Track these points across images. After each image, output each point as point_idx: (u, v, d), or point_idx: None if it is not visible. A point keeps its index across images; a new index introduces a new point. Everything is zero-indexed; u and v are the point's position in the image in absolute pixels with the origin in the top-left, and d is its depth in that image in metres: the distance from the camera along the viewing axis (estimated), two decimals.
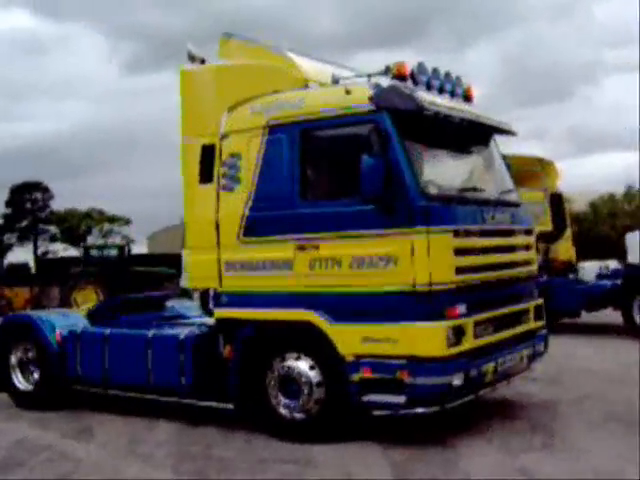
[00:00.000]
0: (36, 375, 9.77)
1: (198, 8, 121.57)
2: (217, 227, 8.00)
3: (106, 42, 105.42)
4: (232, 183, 7.94)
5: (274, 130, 7.67)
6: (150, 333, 8.72)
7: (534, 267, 8.53)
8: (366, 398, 6.95)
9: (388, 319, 6.85)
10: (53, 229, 66.60)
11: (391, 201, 6.85)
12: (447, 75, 8.08)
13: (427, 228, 6.75)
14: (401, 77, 7.39)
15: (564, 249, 17.41)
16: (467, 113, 7.72)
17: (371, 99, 7.06)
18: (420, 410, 6.83)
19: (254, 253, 7.72)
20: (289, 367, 7.41)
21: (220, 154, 8.06)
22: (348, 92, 7.20)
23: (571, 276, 17.04)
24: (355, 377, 6.97)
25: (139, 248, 57.71)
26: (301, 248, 7.37)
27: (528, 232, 8.50)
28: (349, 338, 7.03)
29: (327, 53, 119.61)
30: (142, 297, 8.64)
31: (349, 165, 7.03)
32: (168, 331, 8.64)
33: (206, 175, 8.19)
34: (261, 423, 7.69)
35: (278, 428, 7.51)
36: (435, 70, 7.88)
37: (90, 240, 61.39)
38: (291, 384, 7.38)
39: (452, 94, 8.16)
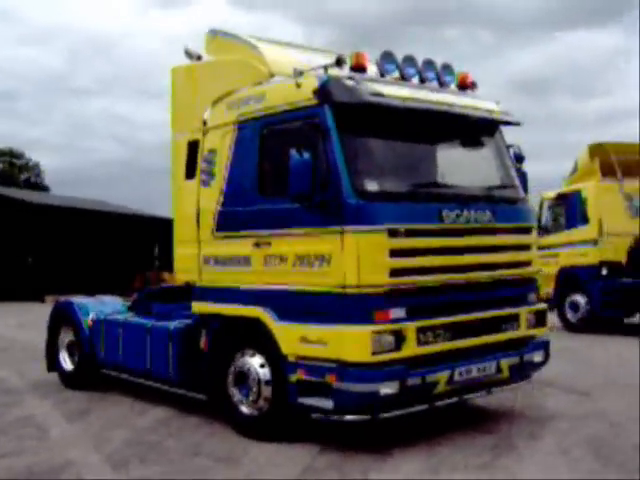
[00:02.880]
0: (76, 357, 10.43)
1: None
2: (197, 222, 8.11)
3: (301, 30, 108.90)
4: (209, 178, 8.02)
5: (241, 126, 7.65)
6: (149, 324, 9.04)
7: (530, 268, 7.84)
8: (301, 400, 6.77)
9: (321, 321, 6.63)
10: None
11: (325, 199, 6.61)
12: (428, 63, 7.61)
13: (356, 227, 6.44)
14: (359, 68, 7.09)
15: None
16: (433, 104, 7.22)
17: (315, 92, 6.83)
18: (349, 418, 6.56)
19: (223, 248, 7.78)
20: (243, 363, 7.40)
21: (202, 150, 8.16)
22: (299, 85, 6.99)
23: None
24: (293, 378, 6.83)
25: None
26: (257, 245, 7.32)
27: (524, 230, 7.83)
28: (290, 338, 6.88)
29: (525, 34, 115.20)
30: (179, 287, 8.91)
31: None
32: (163, 322, 8.86)
33: (190, 171, 8.34)
34: (225, 417, 7.74)
35: (236, 423, 7.54)
36: (409, 59, 7.45)
37: None
38: (246, 380, 7.36)
39: (440, 84, 7.71)
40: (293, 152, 6.58)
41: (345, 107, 6.72)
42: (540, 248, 17.01)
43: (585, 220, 15.73)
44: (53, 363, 10.80)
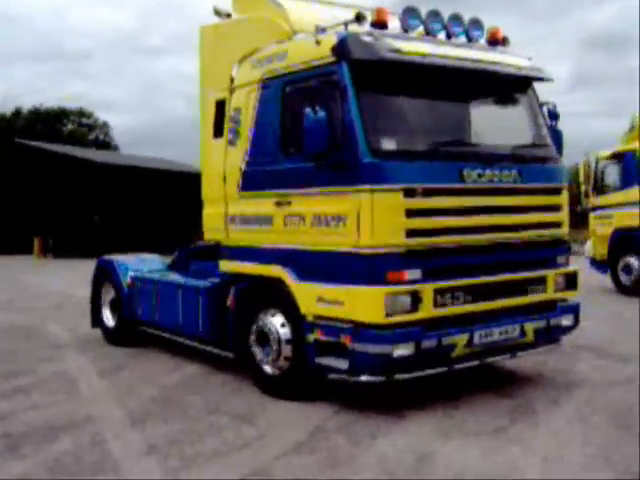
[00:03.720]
0: (117, 314, 10.67)
1: None
2: (225, 181, 8.14)
3: None
4: (235, 137, 8.02)
5: (265, 85, 7.60)
6: (181, 281, 9.18)
7: (560, 230, 7.61)
8: (318, 360, 6.79)
9: (338, 281, 6.60)
10: None
11: (341, 157, 6.52)
12: (455, 18, 7.37)
13: (372, 187, 6.34)
14: (380, 24, 6.91)
15: None
16: (456, 60, 7.00)
17: (333, 49, 6.70)
18: (364, 378, 6.53)
19: (247, 207, 7.81)
20: (265, 322, 7.44)
21: (228, 109, 8.14)
22: (318, 43, 6.87)
23: None
24: (311, 338, 6.84)
25: None
26: (278, 204, 7.31)
27: (554, 191, 7.58)
28: (308, 297, 6.88)
29: None
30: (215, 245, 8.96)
31: None
32: (193, 280, 8.98)
33: (218, 129, 8.34)
34: (249, 375, 7.83)
35: (259, 381, 7.61)
36: (435, 14, 7.23)
37: None
38: (267, 339, 7.40)
39: (469, 39, 7.48)
40: (308, 110, 6.50)
41: (362, 64, 6.58)
42: (594, 209, 16.63)
43: None
44: (97, 319, 11.09)
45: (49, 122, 59.02)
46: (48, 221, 36.69)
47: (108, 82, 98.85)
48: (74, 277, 23.92)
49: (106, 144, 62.06)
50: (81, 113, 63.46)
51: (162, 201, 38.07)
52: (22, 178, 37.68)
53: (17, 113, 60.94)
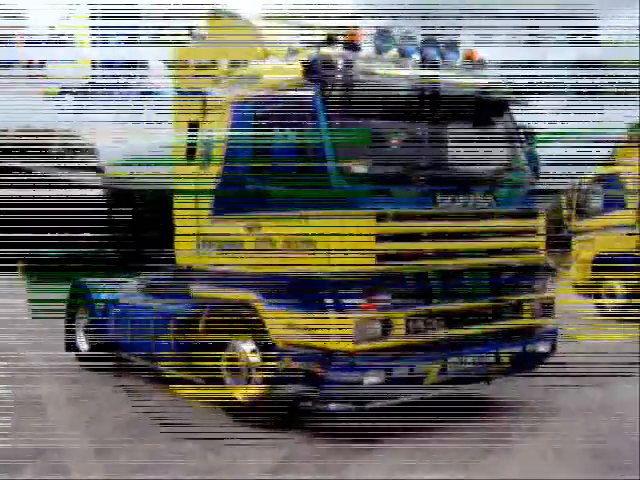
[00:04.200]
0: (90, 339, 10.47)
1: None
2: (196, 203, 8.01)
3: None
4: (207, 159, 7.90)
5: (237, 107, 7.51)
6: (154, 305, 9.01)
7: (536, 255, 7.51)
8: (289, 387, 6.63)
9: (307, 307, 6.47)
10: None
11: (311, 181, 6.42)
12: (430, 40, 7.31)
13: (343, 211, 6.24)
14: (353, 46, 6.84)
15: None
16: (428, 82, 6.93)
17: (304, 72, 6.62)
18: (333, 407, 6.39)
19: (219, 231, 7.68)
20: (235, 348, 7.30)
21: (201, 130, 8.05)
22: (290, 65, 6.82)
23: None
24: (281, 365, 6.69)
25: None
26: (249, 227, 7.18)
27: (529, 215, 7.49)
28: (279, 324, 6.75)
29: None
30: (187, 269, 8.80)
31: None
32: (166, 304, 8.81)
33: (191, 151, 8.24)
34: (220, 402, 7.65)
35: (230, 408, 7.44)
36: (409, 36, 7.16)
37: None
38: (238, 365, 7.25)
39: (443, 61, 7.42)
40: (279, 132, 6.43)
41: (332, 86, 6.49)
42: (577, 232, 16.56)
43: (623, 203, 15.06)
44: (71, 343, 10.87)
45: (35, 143, 58.74)
46: (31, 240, 36.44)
47: (95, 102, 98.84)
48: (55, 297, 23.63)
49: (92, 164, 61.88)
50: (66, 134, 63.32)
51: (144, 222, 37.87)
52: (6, 198, 37.46)
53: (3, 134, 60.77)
